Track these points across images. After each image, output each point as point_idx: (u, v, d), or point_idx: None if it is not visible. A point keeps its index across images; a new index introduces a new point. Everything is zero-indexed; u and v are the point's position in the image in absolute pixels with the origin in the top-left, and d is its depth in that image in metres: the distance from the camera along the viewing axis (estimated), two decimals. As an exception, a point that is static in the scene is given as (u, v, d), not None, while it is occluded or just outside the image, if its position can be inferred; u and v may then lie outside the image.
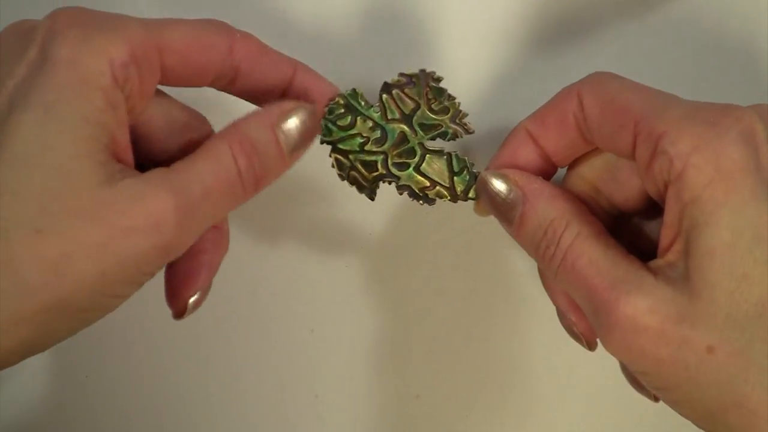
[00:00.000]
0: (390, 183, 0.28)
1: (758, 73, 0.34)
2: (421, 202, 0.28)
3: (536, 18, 0.34)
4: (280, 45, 0.27)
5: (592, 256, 0.23)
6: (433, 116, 0.28)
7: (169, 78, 0.25)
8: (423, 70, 0.28)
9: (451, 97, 0.28)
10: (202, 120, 0.27)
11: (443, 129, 0.28)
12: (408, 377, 0.34)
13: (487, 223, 0.28)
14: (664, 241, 0.23)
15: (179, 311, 0.27)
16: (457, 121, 0.28)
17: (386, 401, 0.34)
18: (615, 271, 0.23)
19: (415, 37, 0.34)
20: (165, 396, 0.34)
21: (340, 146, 0.28)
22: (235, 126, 0.25)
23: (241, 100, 0.27)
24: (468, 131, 0.28)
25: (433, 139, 0.28)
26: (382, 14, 0.34)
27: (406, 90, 0.28)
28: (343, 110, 0.28)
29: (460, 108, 0.28)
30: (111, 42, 0.22)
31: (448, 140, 0.28)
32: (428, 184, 0.28)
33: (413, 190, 0.28)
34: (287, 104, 0.25)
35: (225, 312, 0.34)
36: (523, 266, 0.33)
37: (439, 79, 0.28)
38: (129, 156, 0.23)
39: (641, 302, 0.22)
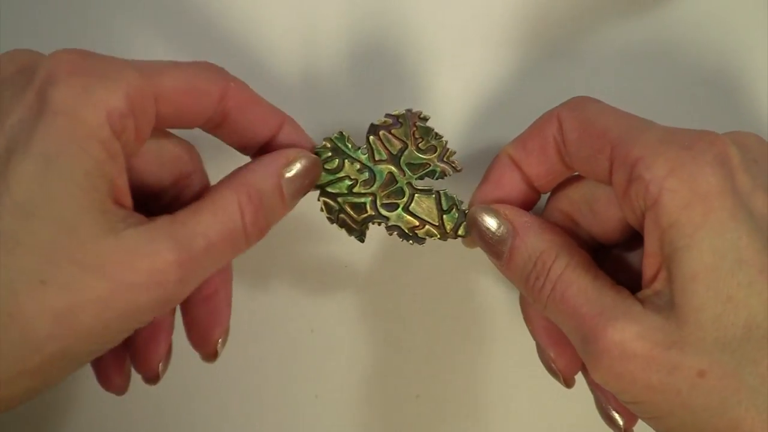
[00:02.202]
0: (379, 224, 0.28)
1: (758, 71, 0.34)
2: (411, 242, 0.28)
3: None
4: (267, 87, 0.27)
5: (581, 286, 0.23)
6: (421, 155, 0.28)
7: (161, 122, 0.25)
8: (409, 110, 0.28)
9: (438, 136, 0.28)
10: (193, 152, 0.27)
11: (431, 168, 0.28)
12: (408, 377, 0.34)
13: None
14: (648, 271, 0.23)
15: (211, 354, 0.27)
16: (445, 159, 0.28)
17: (386, 401, 0.34)
18: (603, 299, 0.23)
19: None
20: (165, 396, 0.34)
21: (329, 189, 0.28)
22: (242, 176, 0.25)
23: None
24: (456, 169, 0.28)
25: (421, 178, 0.28)
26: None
27: (393, 130, 0.28)
28: (330, 153, 0.28)
29: (448, 146, 0.28)
30: (110, 93, 0.22)
31: (437, 179, 0.28)
32: (417, 223, 0.28)
33: (402, 230, 0.28)
34: (292, 153, 0.26)
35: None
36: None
37: (425, 118, 0.28)
38: (128, 199, 0.23)
39: (630, 329, 0.21)
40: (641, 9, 0.34)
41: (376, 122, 0.28)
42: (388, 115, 0.28)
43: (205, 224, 0.23)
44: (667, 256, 0.22)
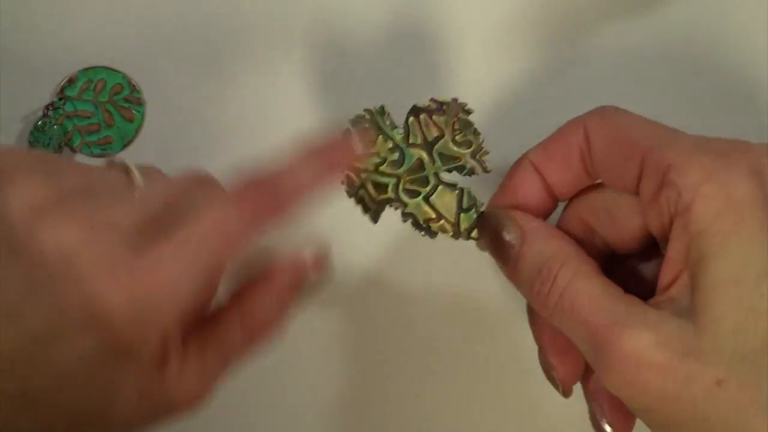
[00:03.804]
0: (396, 208, 0.27)
1: (758, 71, 0.34)
2: (422, 233, 0.28)
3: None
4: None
5: (592, 294, 0.23)
6: (455, 148, 0.28)
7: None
8: (455, 99, 0.28)
9: (476, 132, 0.28)
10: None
11: (461, 163, 0.28)
12: (408, 377, 0.34)
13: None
14: (666, 277, 0.23)
15: None
16: (477, 157, 0.28)
17: (386, 401, 0.34)
18: (616, 307, 0.22)
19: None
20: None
21: (355, 162, 0.27)
22: (251, 307, 0.26)
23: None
24: (485, 170, 0.28)
25: (449, 171, 0.28)
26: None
27: (434, 117, 0.28)
28: (367, 125, 0.27)
29: (483, 145, 0.28)
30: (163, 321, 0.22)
31: (464, 175, 0.28)
32: (434, 216, 0.27)
33: (417, 219, 0.27)
34: (297, 279, 0.26)
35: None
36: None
37: (469, 112, 0.28)
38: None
39: (646, 337, 0.21)
40: (652, 9, 0.34)
41: (420, 105, 0.28)
42: (432, 100, 0.28)
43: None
44: (693, 263, 0.21)
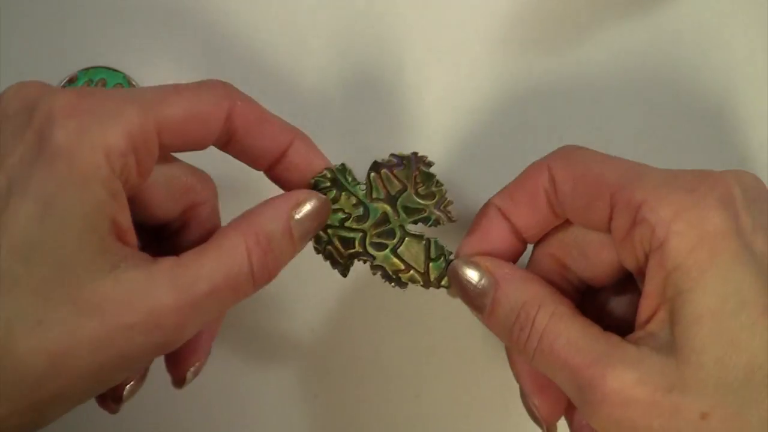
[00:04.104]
0: (365, 262, 0.28)
1: (759, 71, 0.34)
2: (393, 284, 0.28)
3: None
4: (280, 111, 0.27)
5: (570, 336, 0.23)
6: (419, 200, 0.28)
7: (166, 150, 0.24)
8: (415, 153, 0.28)
9: (438, 183, 0.28)
10: (206, 181, 0.27)
11: (426, 214, 0.28)
12: (408, 377, 0.34)
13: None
14: (644, 313, 0.23)
15: (180, 381, 0.27)
16: (442, 207, 0.28)
17: (386, 401, 0.34)
18: (596, 346, 0.22)
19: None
20: (164, 396, 0.34)
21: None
22: (250, 219, 0.24)
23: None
24: (450, 219, 0.28)
25: (414, 223, 0.28)
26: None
27: (395, 171, 0.28)
28: (329, 184, 0.27)
29: (446, 195, 0.28)
30: (108, 132, 0.22)
31: (430, 226, 0.28)
32: (403, 267, 0.28)
33: (386, 271, 0.28)
34: (302, 195, 0.26)
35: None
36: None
37: (429, 164, 0.28)
38: (132, 236, 0.23)
39: (629, 375, 0.21)
40: (641, 10, 0.34)
41: (380, 160, 0.28)
42: (393, 155, 0.28)
43: (209, 268, 0.23)
44: (670, 299, 0.22)
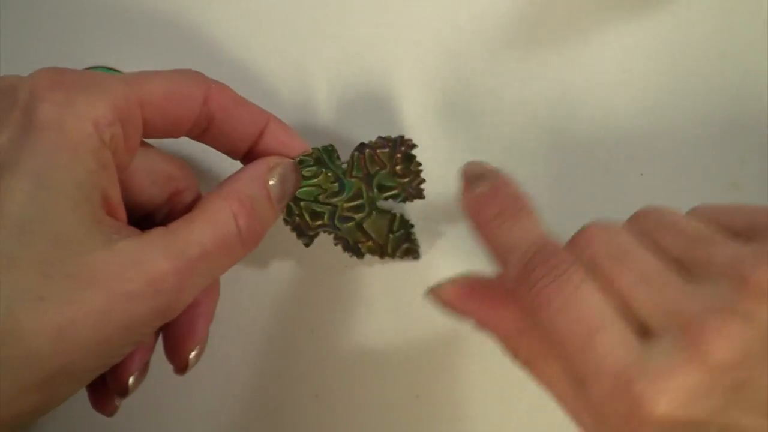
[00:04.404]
0: (329, 233, 0.29)
1: (759, 73, 0.34)
2: (350, 254, 0.29)
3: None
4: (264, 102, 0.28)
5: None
6: (396, 179, 0.29)
7: (147, 131, 0.25)
8: (401, 137, 0.29)
9: (417, 164, 0.29)
10: (186, 169, 0.27)
11: (398, 191, 0.29)
12: (408, 377, 0.34)
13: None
14: None
15: (182, 367, 0.27)
16: (414, 185, 0.29)
17: (386, 401, 0.34)
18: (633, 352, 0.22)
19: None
20: (164, 396, 0.34)
21: (296, 194, 0.28)
22: (230, 185, 0.25)
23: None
24: (420, 196, 0.29)
25: (385, 199, 0.29)
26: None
27: (380, 151, 0.29)
28: (312, 162, 0.28)
29: (421, 175, 0.29)
30: (94, 102, 0.22)
31: (399, 202, 0.29)
32: (364, 239, 0.29)
33: (347, 242, 0.29)
34: (272, 159, 0.27)
35: (225, 312, 0.34)
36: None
37: (413, 146, 0.29)
38: (122, 212, 0.23)
39: None
40: (642, 9, 0.34)
41: (366, 142, 0.29)
42: (380, 138, 0.29)
43: (199, 232, 0.23)
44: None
